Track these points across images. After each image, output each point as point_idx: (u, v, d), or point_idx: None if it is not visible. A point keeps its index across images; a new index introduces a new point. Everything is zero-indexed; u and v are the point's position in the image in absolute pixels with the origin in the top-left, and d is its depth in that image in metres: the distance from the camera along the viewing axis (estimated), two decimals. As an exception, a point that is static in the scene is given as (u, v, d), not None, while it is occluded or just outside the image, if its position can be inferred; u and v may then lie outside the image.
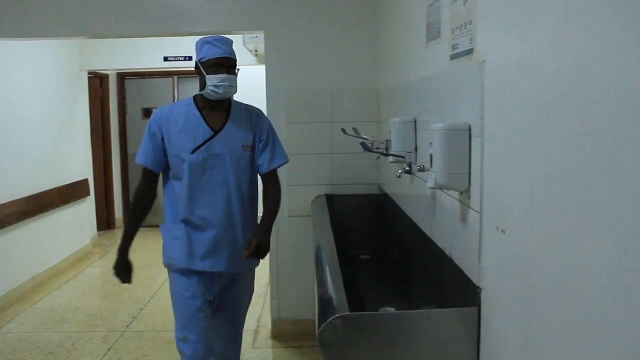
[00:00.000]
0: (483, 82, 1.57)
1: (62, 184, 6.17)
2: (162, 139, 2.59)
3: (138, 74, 8.04)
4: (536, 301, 1.26)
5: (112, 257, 6.61)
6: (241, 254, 2.60)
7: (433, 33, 2.16)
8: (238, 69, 2.62)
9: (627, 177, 0.89)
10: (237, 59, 2.61)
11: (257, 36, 5.31)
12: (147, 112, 8.10)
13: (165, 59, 7.27)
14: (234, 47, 2.62)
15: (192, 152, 2.55)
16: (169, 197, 2.67)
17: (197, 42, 2.61)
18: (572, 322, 1.09)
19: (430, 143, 1.79)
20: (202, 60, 2.56)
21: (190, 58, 7.22)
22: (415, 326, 1.65)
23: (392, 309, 2.29)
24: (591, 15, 1.01)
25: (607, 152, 0.95)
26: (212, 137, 2.59)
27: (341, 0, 3.85)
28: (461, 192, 1.77)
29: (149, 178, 2.67)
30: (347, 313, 1.64)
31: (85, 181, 6.85)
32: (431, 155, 1.79)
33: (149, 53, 7.19)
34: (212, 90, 2.53)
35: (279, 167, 2.75)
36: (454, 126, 1.72)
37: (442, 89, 2.02)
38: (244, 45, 6.09)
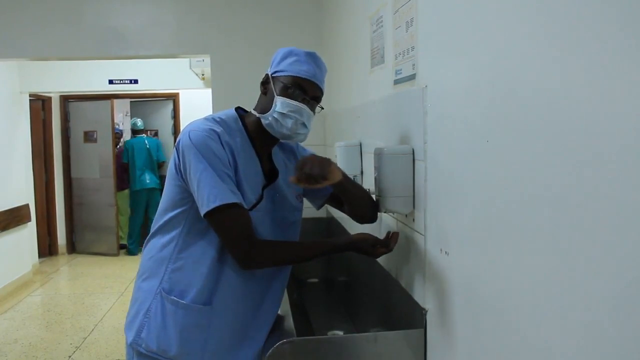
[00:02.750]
0: (425, 107, 1.61)
1: (0, 210, 5.97)
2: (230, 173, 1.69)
3: (82, 96, 7.88)
4: (479, 321, 1.29)
5: (54, 285, 6.47)
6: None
7: (377, 58, 2.20)
8: (322, 108, 1.85)
9: (561, 200, 0.92)
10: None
11: (203, 60, 5.30)
12: (87, 136, 7.93)
13: (111, 81, 7.18)
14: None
15: (252, 208, 1.73)
16: (195, 260, 1.76)
17: (277, 52, 1.82)
18: (513, 340, 1.12)
19: (375, 167, 1.81)
20: (276, 74, 1.76)
21: (136, 81, 7.14)
22: (363, 349, 1.65)
23: (340, 333, 2.29)
24: (527, 44, 1.05)
25: (542, 176, 0.98)
26: (265, 186, 1.81)
27: (286, 26, 3.89)
28: (406, 215, 1.79)
29: (248, 217, 1.70)
30: (295, 338, 1.64)
31: (26, 206, 6.65)
32: (376, 179, 1.81)
33: (93, 76, 7.10)
34: (275, 119, 1.73)
35: None
36: (397, 150, 1.74)
37: (386, 113, 2.05)
38: (190, 69, 6.06)
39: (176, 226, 1.76)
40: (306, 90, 1.73)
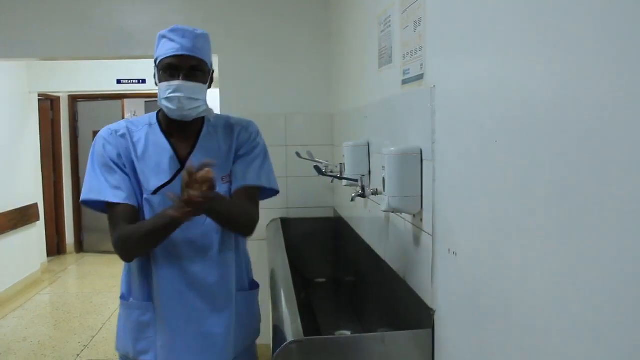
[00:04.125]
0: (434, 107, 1.60)
1: (9, 209, 6.00)
2: (125, 166, 1.83)
3: (90, 96, 7.91)
4: (486, 322, 1.28)
5: (62, 283, 6.49)
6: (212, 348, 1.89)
7: (385, 58, 2.19)
8: (212, 71, 1.91)
9: (571, 200, 0.92)
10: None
11: (211, 59, 5.31)
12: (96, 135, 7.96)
13: (119, 81, 7.20)
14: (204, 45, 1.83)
15: (155, 192, 1.80)
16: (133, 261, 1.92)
17: None
18: (521, 340, 1.11)
19: (383, 167, 1.81)
20: (156, 64, 1.85)
21: (144, 81, 7.16)
22: (371, 349, 1.65)
23: (347, 333, 2.29)
24: (536, 44, 1.04)
25: (550, 176, 0.98)
26: (179, 170, 1.83)
27: (295, 26, 3.89)
28: (414, 215, 1.79)
29: (129, 219, 1.78)
30: (302, 338, 1.63)
31: (35, 205, 6.68)
32: (384, 179, 1.80)
33: (101, 75, 7.12)
34: (164, 106, 1.79)
35: (263, 188, 1.98)
36: (405, 150, 1.74)
37: (394, 113, 2.05)
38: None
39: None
40: (177, 66, 1.77)
